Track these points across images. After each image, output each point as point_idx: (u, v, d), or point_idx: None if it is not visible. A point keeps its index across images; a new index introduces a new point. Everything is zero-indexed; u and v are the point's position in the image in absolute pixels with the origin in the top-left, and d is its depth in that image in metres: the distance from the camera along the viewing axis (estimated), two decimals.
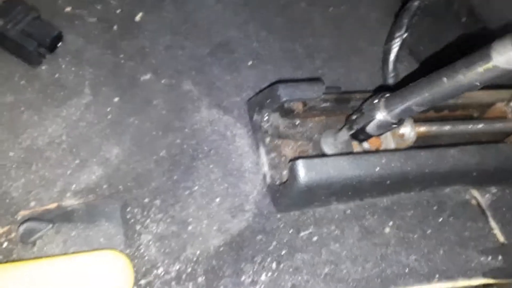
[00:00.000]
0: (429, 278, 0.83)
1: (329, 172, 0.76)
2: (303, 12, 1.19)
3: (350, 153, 0.89)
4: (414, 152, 0.83)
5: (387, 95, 0.77)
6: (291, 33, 1.13)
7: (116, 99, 0.91)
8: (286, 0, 1.19)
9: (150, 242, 0.78)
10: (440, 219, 0.90)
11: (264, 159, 0.87)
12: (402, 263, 0.84)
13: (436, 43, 1.13)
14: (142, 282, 0.74)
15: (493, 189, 0.97)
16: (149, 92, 0.94)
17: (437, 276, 0.84)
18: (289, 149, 0.90)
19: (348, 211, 0.87)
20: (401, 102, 0.74)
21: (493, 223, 0.92)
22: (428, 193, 0.92)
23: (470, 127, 0.94)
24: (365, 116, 0.79)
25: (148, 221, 0.79)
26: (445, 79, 0.65)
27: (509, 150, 0.90)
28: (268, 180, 0.86)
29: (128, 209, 0.80)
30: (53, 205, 0.77)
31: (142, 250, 0.77)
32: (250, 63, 1.05)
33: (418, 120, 0.90)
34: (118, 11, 1.03)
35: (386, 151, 0.87)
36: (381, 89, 0.84)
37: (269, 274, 0.79)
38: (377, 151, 0.89)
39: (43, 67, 0.91)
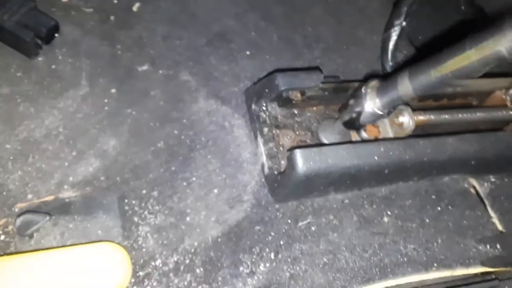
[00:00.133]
0: (427, 267, 0.84)
1: (327, 161, 0.76)
2: (301, 1, 1.18)
3: (348, 142, 0.88)
4: (413, 140, 0.82)
5: (375, 82, 0.78)
6: (290, 23, 1.12)
7: (113, 90, 0.91)
8: None
9: (148, 234, 0.78)
10: (439, 208, 0.90)
11: (262, 149, 0.87)
12: (401, 252, 0.84)
13: (435, 32, 1.13)
14: (140, 274, 0.74)
15: (492, 178, 0.97)
16: (146, 83, 0.93)
17: (435, 265, 0.84)
18: (287, 139, 0.90)
19: (346, 201, 0.87)
20: (392, 90, 0.74)
21: (491, 212, 0.92)
22: (427, 182, 0.92)
23: (469, 115, 0.93)
24: (356, 105, 0.79)
25: (146, 212, 0.79)
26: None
27: (508, 138, 0.90)
28: (266, 170, 0.86)
29: (125, 201, 0.80)
30: (50, 197, 0.77)
31: (140, 242, 0.77)
32: (248, 53, 1.04)
33: (417, 108, 0.89)
34: (115, 1, 1.03)
35: (384, 140, 0.87)
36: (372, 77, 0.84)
37: (267, 264, 0.79)
38: (375, 140, 0.88)
39: (40, 59, 0.90)
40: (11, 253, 0.71)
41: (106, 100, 0.89)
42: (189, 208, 0.81)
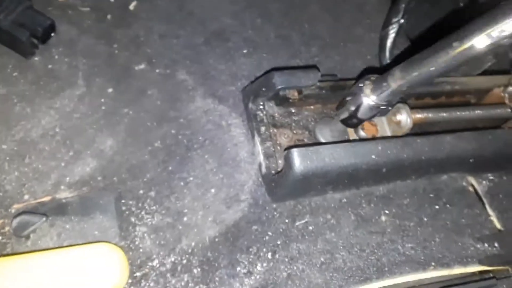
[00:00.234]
0: (425, 266, 0.83)
1: (325, 160, 0.76)
2: None
3: (346, 141, 0.88)
4: (411, 139, 0.82)
5: (373, 78, 0.77)
6: (287, 21, 1.12)
7: (110, 90, 0.90)
8: None
9: (145, 234, 0.77)
10: (437, 207, 0.90)
11: (259, 148, 0.87)
12: (398, 251, 0.84)
13: (433, 29, 1.12)
14: (138, 274, 0.74)
15: (490, 176, 0.96)
16: (143, 82, 0.93)
17: (433, 263, 0.84)
18: (284, 138, 0.90)
19: (344, 200, 0.87)
20: (386, 85, 0.74)
21: (490, 210, 0.92)
22: (425, 181, 0.92)
23: (467, 113, 0.93)
24: (353, 100, 0.79)
25: (143, 213, 0.79)
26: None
27: (506, 136, 0.89)
28: (264, 169, 0.86)
29: (122, 201, 0.79)
30: (47, 198, 0.77)
31: (137, 242, 0.77)
32: (245, 51, 1.04)
33: (415, 106, 0.89)
34: (111, 0, 1.02)
35: (382, 138, 0.86)
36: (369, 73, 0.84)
37: (265, 264, 0.79)
38: (373, 138, 0.88)
39: (36, 58, 0.90)
40: (7, 254, 0.71)
41: (102, 100, 0.89)
42: (186, 208, 0.81)
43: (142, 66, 0.95)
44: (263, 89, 0.88)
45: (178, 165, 0.85)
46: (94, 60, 0.93)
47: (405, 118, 0.87)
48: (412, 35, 1.16)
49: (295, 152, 0.75)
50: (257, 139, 0.88)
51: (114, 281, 0.69)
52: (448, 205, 0.90)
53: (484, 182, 0.95)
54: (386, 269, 0.82)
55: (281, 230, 0.82)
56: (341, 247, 0.82)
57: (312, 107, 0.94)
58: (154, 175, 0.83)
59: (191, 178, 0.84)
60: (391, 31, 1.08)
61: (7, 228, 0.73)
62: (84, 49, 0.94)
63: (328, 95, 0.92)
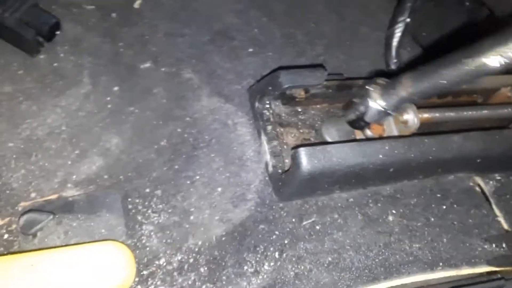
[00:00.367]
0: (432, 266, 0.83)
1: (332, 160, 0.75)
2: None
3: (353, 140, 0.88)
4: (418, 139, 0.82)
5: (380, 81, 0.77)
6: (292, 20, 1.12)
7: (115, 88, 0.90)
8: None
9: (152, 233, 0.77)
10: (444, 207, 0.89)
11: (266, 147, 0.87)
12: (406, 251, 0.83)
13: (439, 28, 1.12)
14: (144, 273, 0.74)
15: (497, 176, 0.96)
16: (149, 81, 0.93)
17: (440, 264, 0.83)
18: (291, 137, 0.89)
19: (351, 200, 0.87)
20: (396, 92, 0.74)
21: (497, 211, 0.91)
22: (432, 181, 0.91)
23: (474, 113, 0.93)
24: (361, 103, 0.79)
25: (149, 211, 0.79)
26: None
27: None
28: (270, 168, 0.86)
29: (129, 200, 0.79)
30: (53, 196, 0.77)
31: (143, 241, 0.76)
32: (250, 50, 1.03)
33: (422, 106, 0.89)
34: None
35: (389, 138, 0.86)
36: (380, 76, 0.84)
37: (272, 263, 0.78)
38: (380, 138, 0.87)
39: (41, 56, 0.90)
40: (14, 252, 0.71)
41: (108, 98, 0.89)
42: (193, 207, 0.81)
43: (147, 65, 0.95)
44: (270, 88, 0.87)
45: (184, 163, 0.85)
46: (99, 58, 0.93)
47: (412, 117, 0.86)
48: (418, 34, 1.16)
49: (302, 151, 0.74)
50: (263, 138, 0.87)
51: (121, 279, 0.68)
52: (455, 205, 0.90)
53: (491, 182, 0.95)
54: (393, 269, 0.81)
55: (288, 229, 0.82)
56: (348, 247, 0.82)
57: (318, 106, 0.94)
58: (161, 174, 0.83)
59: (197, 177, 0.84)
60: (397, 30, 1.07)
61: (14, 226, 0.73)
62: (89, 47, 0.94)
63: (335, 94, 0.91)
